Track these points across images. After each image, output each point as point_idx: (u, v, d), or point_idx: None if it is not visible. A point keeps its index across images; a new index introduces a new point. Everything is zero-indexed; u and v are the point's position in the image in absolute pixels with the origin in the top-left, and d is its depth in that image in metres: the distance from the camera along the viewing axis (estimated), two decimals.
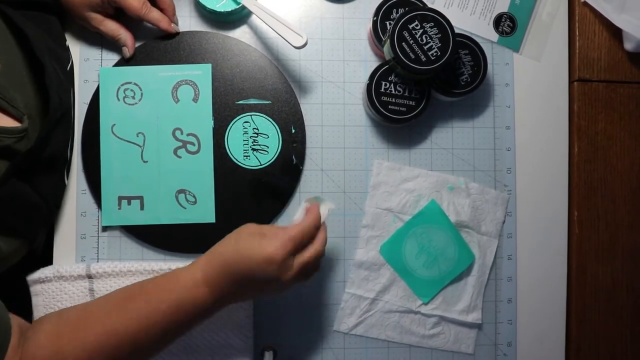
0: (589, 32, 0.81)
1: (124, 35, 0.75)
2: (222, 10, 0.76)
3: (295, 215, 0.66)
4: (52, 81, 0.66)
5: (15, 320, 0.61)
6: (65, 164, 0.74)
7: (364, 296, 0.78)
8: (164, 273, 0.64)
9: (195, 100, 0.78)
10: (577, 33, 0.81)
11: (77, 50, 0.79)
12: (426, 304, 0.78)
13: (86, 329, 0.59)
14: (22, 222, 0.65)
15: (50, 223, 0.72)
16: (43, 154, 0.65)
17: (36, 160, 0.65)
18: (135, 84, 0.78)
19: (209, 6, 0.76)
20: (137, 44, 0.78)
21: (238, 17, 0.79)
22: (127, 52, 0.76)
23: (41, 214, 0.68)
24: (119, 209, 0.77)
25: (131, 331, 0.59)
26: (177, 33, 0.78)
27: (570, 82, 0.82)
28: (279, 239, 0.60)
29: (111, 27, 0.75)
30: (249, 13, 0.78)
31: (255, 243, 0.60)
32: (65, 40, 0.78)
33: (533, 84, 0.81)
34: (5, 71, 0.63)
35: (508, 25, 0.82)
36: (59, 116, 0.67)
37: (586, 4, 0.80)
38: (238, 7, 0.76)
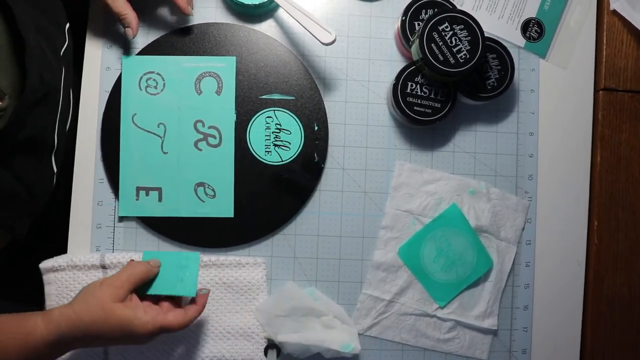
0: (617, 41, 0.80)
1: (130, 15, 0.73)
2: (250, 3, 0.75)
3: None
4: (34, 59, 0.63)
5: None
6: (51, 150, 0.71)
7: (380, 297, 0.77)
8: (16, 318, 0.61)
9: (218, 92, 0.77)
10: (605, 41, 0.80)
11: (100, 37, 0.78)
12: (442, 308, 0.78)
13: None
14: (1, 211, 0.62)
15: (36, 211, 0.69)
16: (19, 135, 0.62)
17: (11, 142, 0.62)
18: (158, 73, 0.77)
19: (238, 0, 0.75)
20: (162, 34, 0.77)
21: (265, 11, 0.79)
22: (131, 32, 0.74)
23: (20, 201, 0.65)
24: (137, 199, 0.76)
25: None
26: (190, 26, 0.78)
27: (596, 91, 0.81)
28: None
29: (120, 3, 0.72)
30: (277, 7, 0.78)
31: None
32: (66, 24, 0.75)
33: (558, 91, 0.81)
34: None
35: (536, 31, 0.81)
36: (40, 96, 0.64)
37: (615, 13, 0.80)
38: (266, 0, 0.75)
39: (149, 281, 0.67)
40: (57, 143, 0.71)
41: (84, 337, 0.61)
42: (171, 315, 0.64)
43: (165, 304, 0.66)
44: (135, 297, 0.64)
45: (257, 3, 0.75)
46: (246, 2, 0.75)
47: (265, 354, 0.75)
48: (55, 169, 0.71)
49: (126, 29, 0.74)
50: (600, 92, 0.80)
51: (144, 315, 0.62)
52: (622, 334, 0.79)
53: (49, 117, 0.69)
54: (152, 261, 0.67)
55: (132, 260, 0.68)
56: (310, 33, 0.72)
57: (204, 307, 0.67)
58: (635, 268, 0.80)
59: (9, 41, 0.63)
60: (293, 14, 0.73)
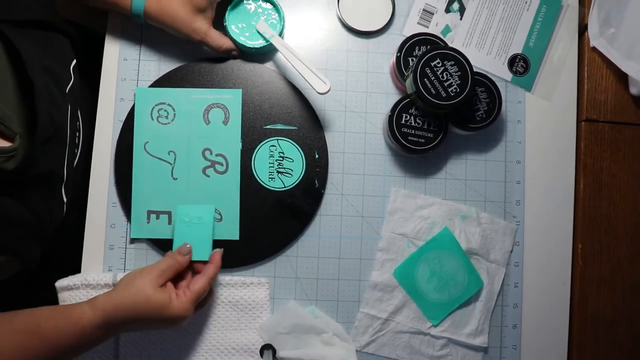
0: (597, 76, 0.86)
1: (228, 42, 0.81)
2: (251, 46, 0.81)
3: None
4: (43, 99, 0.65)
5: None
6: (61, 183, 0.74)
7: (377, 316, 0.81)
8: (64, 308, 0.68)
9: (225, 122, 0.82)
10: (586, 76, 0.86)
11: (115, 69, 0.83)
12: (435, 326, 0.82)
13: None
14: (9, 238, 0.64)
15: (47, 240, 0.71)
16: (32, 171, 0.65)
17: (25, 178, 0.64)
18: (169, 104, 0.82)
19: (239, 41, 0.81)
20: (173, 67, 0.83)
21: (265, 51, 0.84)
22: (237, 53, 0.82)
23: (32, 230, 0.67)
24: (148, 222, 0.80)
25: None
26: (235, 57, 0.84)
27: (578, 122, 0.86)
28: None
29: (228, 44, 0.81)
30: (276, 50, 0.83)
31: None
32: (72, 61, 0.78)
33: (543, 122, 0.86)
34: (0, 91, 0.63)
35: (522, 66, 0.87)
36: (50, 134, 0.67)
37: (595, 49, 0.85)
38: (267, 44, 0.80)
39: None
40: (67, 175, 0.74)
41: (127, 319, 0.67)
42: (195, 285, 0.71)
43: (184, 282, 0.74)
44: (169, 283, 0.71)
45: (257, 46, 0.80)
46: (248, 45, 0.81)
47: (261, 354, 0.79)
48: (65, 199, 0.74)
49: (233, 53, 0.82)
50: (583, 122, 0.85)
51: (176, 297, 0.69)
52: (607, 352, 0.83)
53: (58, 153, 0.71)
54: (183, 249, 0.74)
55: (170, 252, 0.75)
56: (307, 82, 0.76)
57: (219, 263, 0.75)
58: (617, 289, 0.84)
59: (16, 82, 0.65)
60: (291, 61, 0.78)
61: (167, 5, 0.76)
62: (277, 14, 0.82)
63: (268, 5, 0.82)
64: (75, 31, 0.78)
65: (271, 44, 0.80)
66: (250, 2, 0.82)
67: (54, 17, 0.74)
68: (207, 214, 0.79)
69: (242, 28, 0.81)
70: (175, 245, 0.77)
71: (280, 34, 0.81)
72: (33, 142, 0.64)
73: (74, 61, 0.78)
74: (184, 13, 0.76)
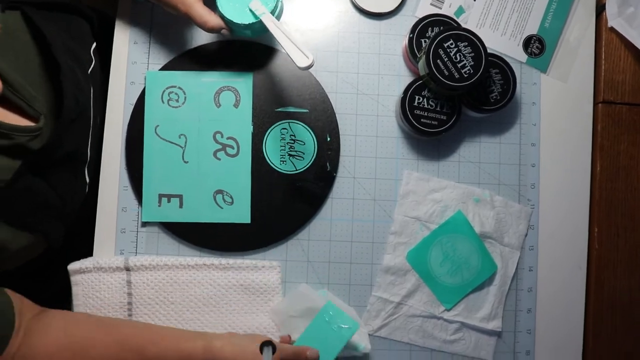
0: (615, 57, 0.84)
1: (216, 19, 0.73)
2: (240, 22, 0.74)
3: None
4: (68, 80, 0.67)
5: (17, 303, 0.64)
6: (85, 163, 0.76)
7: (389, 300, 0.81)
8: (170, 340, 0.68)
9: (236, 105, 0.81)
10: (603, 57, 0.84)
11: (125, 53, 0.83)
12: (449, 310, 0.81)
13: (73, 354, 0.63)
14: (36, 217, 0.67)
15: (69, 218, 0.74)
16: (57, 152, 0.67)
17: (51, 158, 0.67)
18: (179, 87, 0.82)
19: (227, 16, 0.74)
20: (183, 50, 0.82)
21: (258, 32, 0.78)
22: (227, 31, 0.75)
23: (56, 210, 0.70)
24: (159, 206, 0.80)
25: None
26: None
27: (595, 104, 0.85)
28: None
29: (217, 22, 0.73)
30: (265, 30, 0.75)
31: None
32: (92, 44, 0.79)
33: (559, 104, 0.85)
34: (25, 71, 0.66)
35: (537, 47, 0.85)
36: (74, 116, 0.69)
37: (613, 30, 0.84)
38: (256, 21, 0.74)
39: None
40: (90, 156, 0.76)
41: None
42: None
43: None
44: None
45: (246, 22, 0.74)
46: (236, 21, 0.74)
47: (261, 351, 0.78)
48: (87, 180, 0.76)
49: (223, 31, 0.75)
50: (599, 104, 0.84)
51: None
52: (623, 337, 0.82)
53: (82, 134, 0.74)
54: (312, 354, 0.71)
55: (307, 349, 0.71)
56: (289, 56, 0.71)
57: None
58: (635, 274, 0.82)
59: (41, 63, 0.68)
60: (276, 34, 0.73)
61: None
62: None
63: None
64: (94, 14, 0.78)
65: (261, 22, 0.74)
66: None
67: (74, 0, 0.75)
68: (350, 327, 0.74)
69: (235, 6, 0.75)
70: (303, 336, 0.75)
71: (276, 14, 0.76)
72: (59, 123, 0.66)
73: (94, 44, 0.79)
74: None
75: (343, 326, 0.74)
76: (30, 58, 0.67)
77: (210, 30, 0.74)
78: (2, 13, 0.65)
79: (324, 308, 0.75)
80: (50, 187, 0.67)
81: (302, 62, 0.70)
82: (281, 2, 0.77)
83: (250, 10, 0.74)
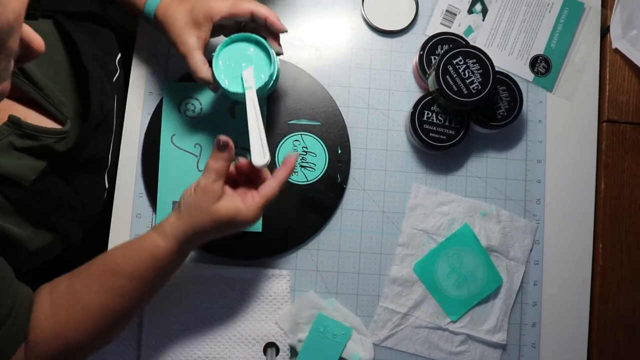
0: (619, 77, 0.87)
1: (207, 72, 0.73)
2: (226, 88, 0.73)
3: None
4: (95, 87, 0.70)
5: (26, 297, 0.65)
6: (105, 169, 0.79)
7: (396, 310, 0.82)
8: (135, 242, 0.68)
9: None
10: (608, 77, 0.87)
11: (145, 64, 0.86)
12: (454, 322, 0.82)
13: (78, 309, 0.65)
14: (56, 218, 0.69)
15: (88, 223, 0.76)
16: (81, 155, 0.70)
17: (74, 161, 0.69)
18: (196, 98, 0.84)
19: (217, 77, 0.73)
20: None
21: (239, 99, 0.76)
22: (213, 88, 0.75)
23: (77, 212, 0.72)
24: None
25: (119, 304, 0.66)
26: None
27: (600, 123, 0.87)
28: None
29: (197, 60, 0.72)
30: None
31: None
32: (117, 55, 0.83)
33: (564, 122, 0.87)
34: (54, 76, 0.69)
35: (543, 67, 0.88)
36: (99, 121, 0.72)
37: (617, 51, 0.86)
38: (240, 93, 0.73)
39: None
40: (110, 162, 0.78)
41: (198, 239, 0.67)
42: (265, 189, 0.68)
43: (254, 190, 0.69)
44: (227, 189, 0.68)
45: (231, 91, 0.73)
46: (223, 85, 0.73)
47: (265, 353, 0.80)
48: (107, 185, 0.78)
49: (210, 86, 0.75)
50: (604, 123, 0.86)
51: (243, 204, 0.66)
52: (627, 353, 0.83)
53: (105, 139, 0.76)
54: (220, 145, 0.67)
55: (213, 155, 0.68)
56: (249, 148, 0.70)
57: (292, 168, 0.70)
58: (638, 290, 0.83)
59: (70, 70, 0.71)
60: (249, 117, 0.71)
61: (174, 9, 0.72)
62: (268, 68, 0.74)
63: (264, 58, 0.75)
64: (119, 26, 0.81)
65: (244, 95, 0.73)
66: (251, 46, 0.75)
67: (103, 10, 0.78)
68: (344, 334, 0.79)
69: (230, 66, 0.74)
70: (303, 350, 0.79)
71: (267, 89, 0.75)
72: (85, 127, 0.68)
73: (119, 55, 0.82)
74: (182, 21, 0.71)
75: (337, 334, 0.78)
76: (60, 65, 0.70)
77: (198, 80, 0.73)
78: (36, 21, 0.68)
79: (317, 320, 0.79)
80: (72, 190, 0.69)
81: (258, 160, 0.69)
82: (275, 78, 0.75)
83: (241, 78, 0.73)
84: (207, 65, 0.73)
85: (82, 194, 0.71)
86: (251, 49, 0.75)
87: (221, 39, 0.76)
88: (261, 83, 0.73)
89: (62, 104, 0.68)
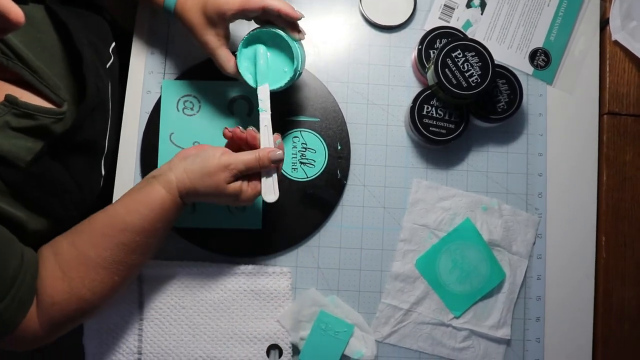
0: (619, 69, 0.86)
1: (234, 68, 0.75)
2: (249, 83, 0.75)
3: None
4: (90, 71, 0.70)
5: (30, 258, 0.65)
6: (102, 154, 0.78)
7: (398, 307, 0.81)
8: (140, 196, 0.69)
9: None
10: (608, 69, 0.86)
11: (142, 63, 0.85)
12: (458, 317, 0.82)
13: (90, 268, 0.65)
14: (52, 201, 0.69)
15: (85, 209, 0.74)
16: (78, 138, 0.70)
17: (71, 143, 0.69)
18: (194, 96, 0.84)
19: (247, 80, 0.75)
20: (199, 61, 0.85)
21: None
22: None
23: (72, 196, 0.72)
24: None
25: (131, 258, 0.67)
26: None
27: (600, 115, 0.86)
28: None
29: (224, 57, 0.74)
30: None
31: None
32: (112, 43, 0.82)
33: (565, 115, 0.86)
34: (49, 61, 0.69)
35: (543, 60, 0.87)
36: (95, 104, 0.72)
37: (617, 43, 0.86)
38: (254, 87, 0.75)
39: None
40: (107, 148, 0.78)
41: (199, 198, 0.70)
42: (260, 186, 0.71)
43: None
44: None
45: (253, 86, 0.75)
46: (250, 83, 0.75)
47: (268, 354, 0.79)
48: (103, 172, 0.78)
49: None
50: (605, 116, 0.86)
51: (247, 190, 0.69)
52: (632, 347, 0.82)
53: (101, 123, 0.76)
54: (262, 152, 0.68)
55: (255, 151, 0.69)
56: (261, 185, 0.71)
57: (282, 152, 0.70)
58: None
59: (64, 54, 0.71)
60: (262, 142, 0.72)
61: (189, 9, 0.74)
62: (291, 63, 0.75)
63: (280, 60, 0.76)
64: (112, 17, 0.81)
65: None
66: (267, 52, 0.75)
67: None
68: (346, 331, 0.79)
69: (253, 60, 0.75)
70: (306, 348, 0.78)
71: (293, 81, 0.75)
72: (81, 108, 0.69)
73: (113, 43, 0.82)
74: (197, 22, 0.73)
75: (339, 331, 0.77)
76: (54, 50, 0.70)
77: (227, 74, 0.76)
78: (27, 5, 0.67)
79: (319, 317, 0.78)
80: (68, 173, 0.69)
81: (268, 197, 0.71)
82: (301, 69, 0.76)
83: (257, 96, 0.74)
84: (233, 60, 0.75)
85: (78, 177, 0.71)
86: (267, 54, 0.75)
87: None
88: (286, 78, 0.74)
89: (57, 88, 0.68)
